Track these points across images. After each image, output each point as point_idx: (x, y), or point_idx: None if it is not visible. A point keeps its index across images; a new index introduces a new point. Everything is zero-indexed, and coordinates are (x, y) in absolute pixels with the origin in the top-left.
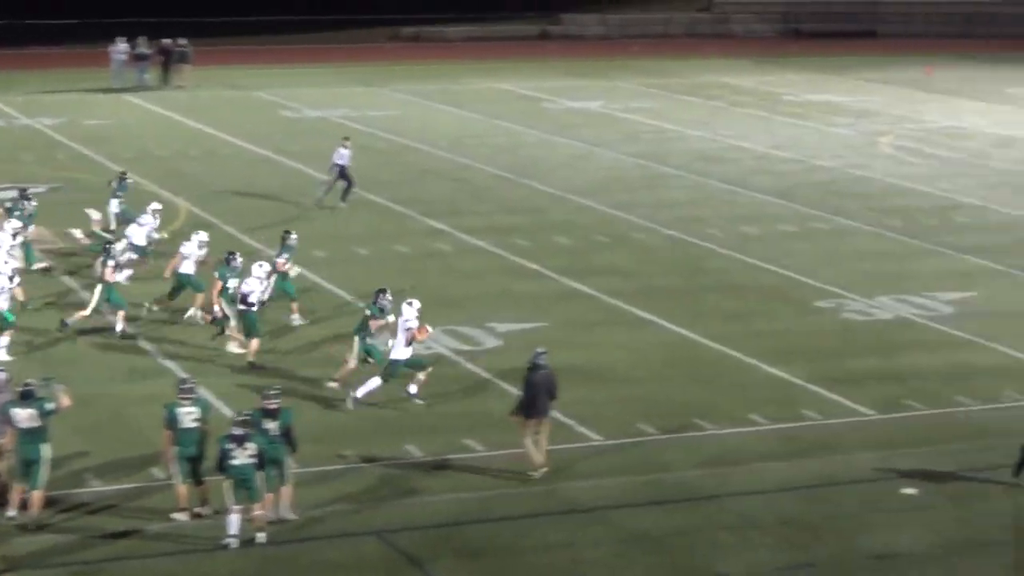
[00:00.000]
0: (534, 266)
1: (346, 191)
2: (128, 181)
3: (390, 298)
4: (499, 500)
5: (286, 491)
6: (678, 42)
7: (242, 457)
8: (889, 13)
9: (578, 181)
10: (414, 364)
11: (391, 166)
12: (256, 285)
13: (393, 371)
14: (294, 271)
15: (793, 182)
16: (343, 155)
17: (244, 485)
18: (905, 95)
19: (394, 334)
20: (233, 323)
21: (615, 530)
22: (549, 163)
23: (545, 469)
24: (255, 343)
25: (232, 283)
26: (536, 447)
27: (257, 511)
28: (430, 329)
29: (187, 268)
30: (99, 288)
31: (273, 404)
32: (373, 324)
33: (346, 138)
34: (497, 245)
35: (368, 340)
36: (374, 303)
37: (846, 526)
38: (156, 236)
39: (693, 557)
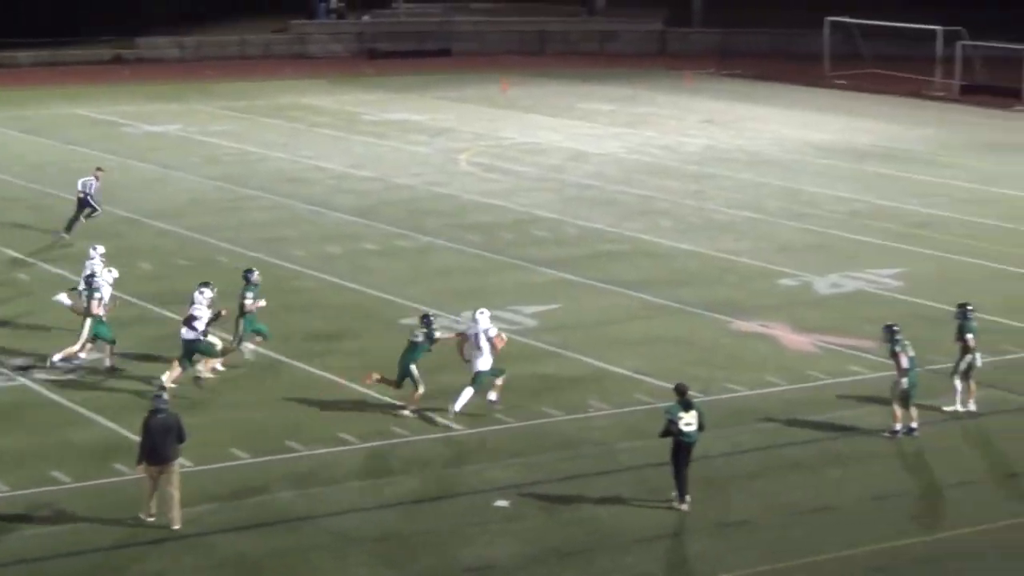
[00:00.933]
0: (117, 293)
1: None
2: None
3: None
4: (91, 532)
5: None
6: (255, 64)
7: None
8: (463, 31)
9: (159, 205)
10: (495, 372)
11: None
12: (204, 312)
13: (480, 380)
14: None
15: (375, 201)
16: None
17: None
18: (482, 112)
19: (476, 347)
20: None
21: (211, 556)
22: (129, 188)
23: (177, 526)
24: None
25: (248, 300)
26: (163, 498)
27: None
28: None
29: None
30: (87, 322)
31: None
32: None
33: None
34: (78, 273)
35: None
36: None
37: (442, 540)
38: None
39: None
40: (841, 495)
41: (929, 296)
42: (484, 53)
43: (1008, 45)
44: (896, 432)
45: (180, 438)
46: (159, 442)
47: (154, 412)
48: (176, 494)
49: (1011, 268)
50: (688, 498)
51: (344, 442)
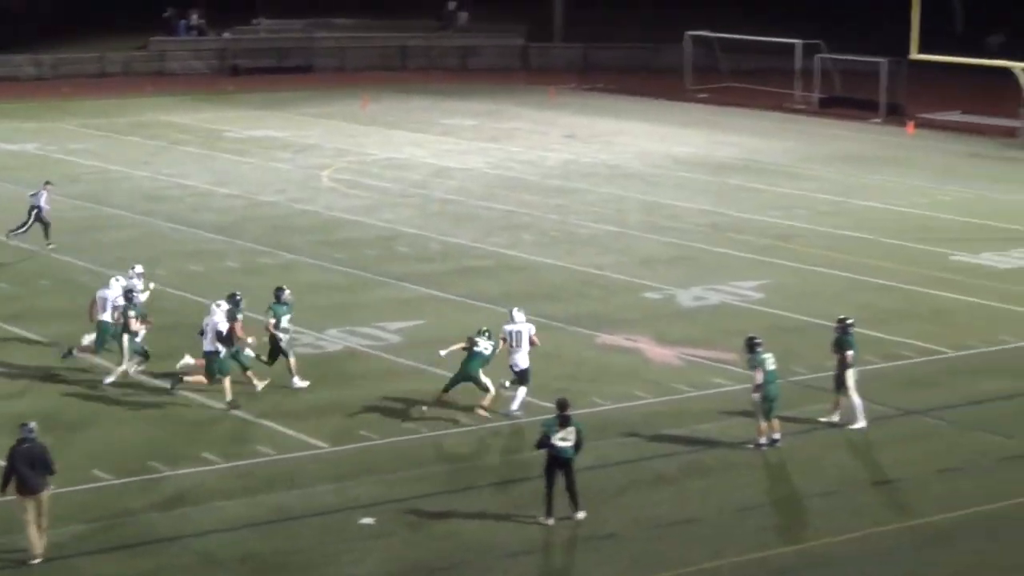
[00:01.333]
0: None
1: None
2: None
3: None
4: None
5: None
6: (116, 81)
7: None
8: (324, 48)
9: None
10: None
11: None
12: (225, 326)
13: (528, 377)
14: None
15: (237, 218)
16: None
17: None
18: (344, 128)
19: (517, 345)
20: (293, 360)
21: None
22: None
23: (38, 560)
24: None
25: (285, 319)
26: (38, 530)
27: None
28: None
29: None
30: (126, 338)
31: None
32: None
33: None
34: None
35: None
36: None
37: (308, 559)
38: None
39: None
40: (706, 507)
41: (790, 308)
42: (346, 69)
43: (865, 58)
44: (760, 444)
45: (48, 469)
46: (26, 472)
47: (21, 441)
48: (44, 523)
49: (870, 279)
50: (581, 515)
51: (207, 461)
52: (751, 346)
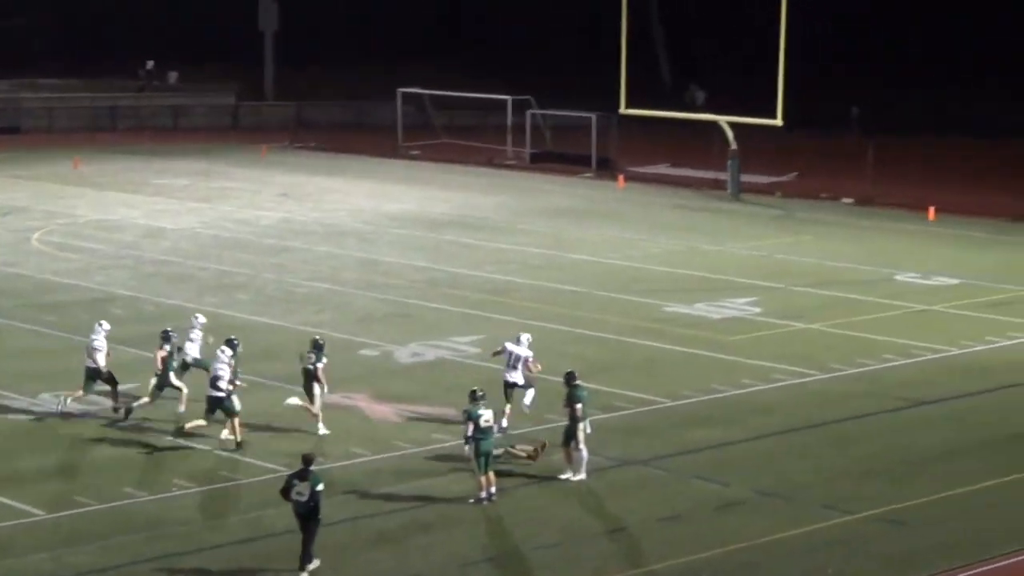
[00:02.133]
0: None
1: None
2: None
3: None
4: None
5: None
6: None
7: None
8: (32, 108)
9: None
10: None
11: None
12: (226, 370)
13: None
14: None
15: None
16: None
17: None
18: (54, 190)
19: (513, 366)
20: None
21: None
22: None
23: None
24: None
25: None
26: None
27: None
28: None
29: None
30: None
31: None
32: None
33: None
34: None
35: None
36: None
37: None
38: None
39: None
40: (428, 563)
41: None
42: (55, 130)
43: (575, 113)
44: (480, 498)
45: None
46: None
47: None
48: None
49: (585, 331)
50: (311, 565)
51: None
52: (472, 398)
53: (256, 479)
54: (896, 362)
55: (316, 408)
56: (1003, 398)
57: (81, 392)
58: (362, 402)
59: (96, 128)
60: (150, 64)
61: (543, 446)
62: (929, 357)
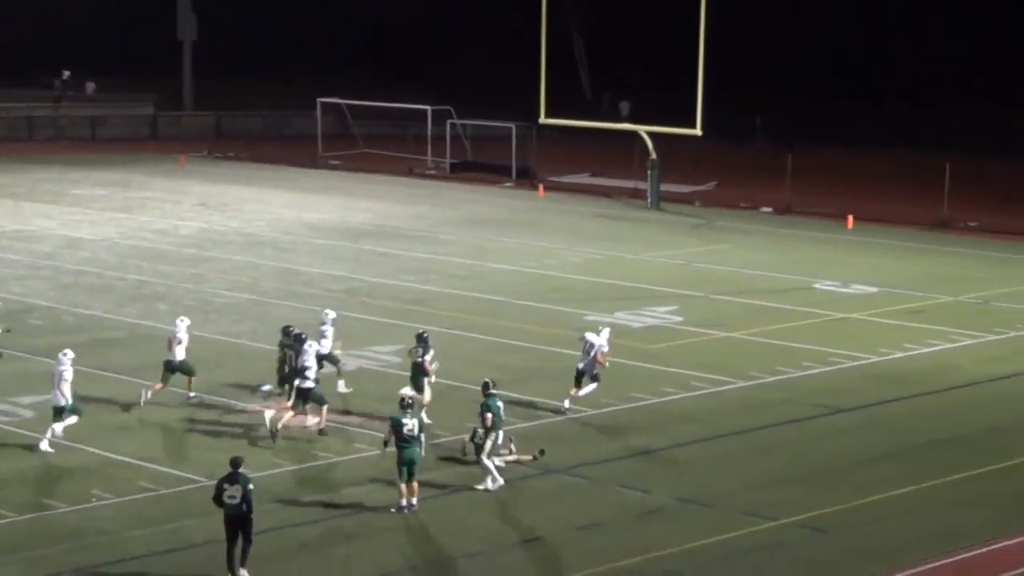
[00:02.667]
0: None
1: None
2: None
3: None
4: None
5: None
6: None
7: None
8: None
9: None
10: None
11: None
12: (313, 362)
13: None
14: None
15: None
16: None
17: None
18: None
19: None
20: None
21: None
22: None
23: None
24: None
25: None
26: None
27: None
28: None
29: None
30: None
31: None
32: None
33: None
34: None
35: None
36: None
37: None
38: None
39: None
40: (349, 572)
41: None
42: None
43: (495, 123)
44: (402, 507)
45: None
46: None
47: None
48: None
49: (505, 341)
50: (243, 573)
51: None
52: (400, 405)
53: (173, 490)
54: (815, 370)
55: (426, 399)
56: (920, 405)
57: (160, 385)
58: (284, 412)
59: (12, 139)
60: (67, 74)
61: (541, 452)
62: (848, 365)
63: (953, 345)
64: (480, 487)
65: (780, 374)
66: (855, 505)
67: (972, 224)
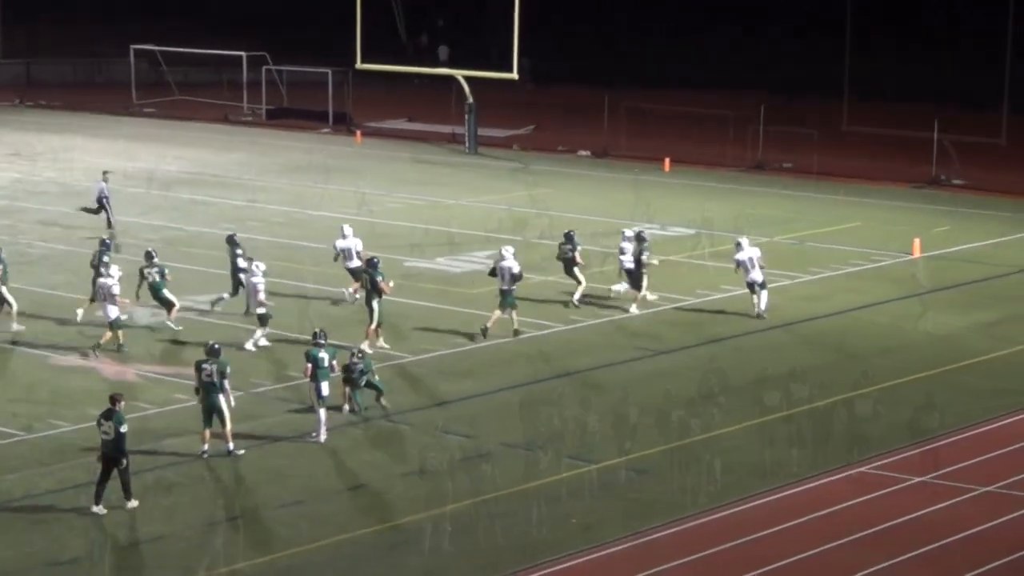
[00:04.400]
0: None
1: None
2: None
3: None
4: None
5: None
6: None
7: None
8: None
9: None
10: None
11: None
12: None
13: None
14: None
15: None
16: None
17: None
18: None
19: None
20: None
21: None
22: None
23: None
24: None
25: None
26: None
27: None
28: None
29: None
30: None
31: None
32: None
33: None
34: None
35: None
36: None
37: None
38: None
39: None
40: (173, 524)
41: (248, 321)
42: None
43: (311, 69)
44: (204, 452)
45: None
46: None
47: None
48: None
49: (326, 288)
50: (132, 503)
51: None
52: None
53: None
54: (635, 312)
55: (582, 288)
56: (740, 344)
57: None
58: (100, 364)
59: None
60: None
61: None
62: (667, 307)
63: (771, 285)
64: (313, 436)
65: (600, 318)
66: (676, 446)
67: (786, 165)
